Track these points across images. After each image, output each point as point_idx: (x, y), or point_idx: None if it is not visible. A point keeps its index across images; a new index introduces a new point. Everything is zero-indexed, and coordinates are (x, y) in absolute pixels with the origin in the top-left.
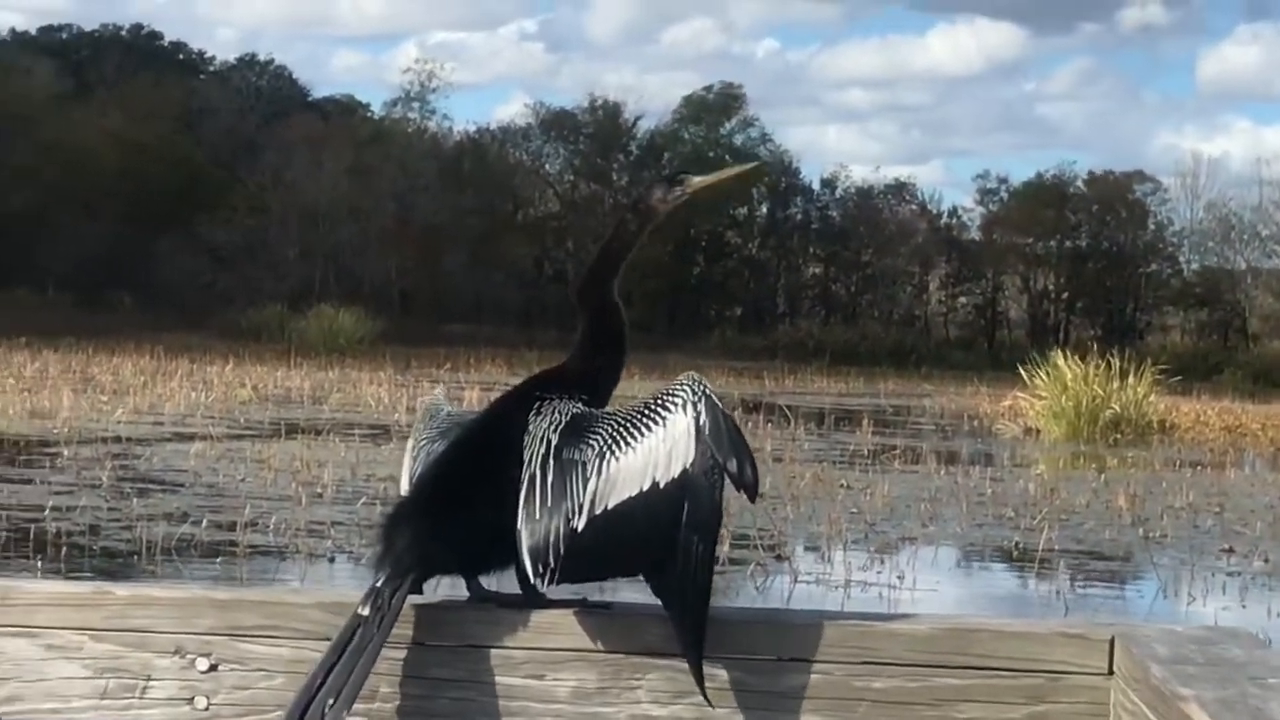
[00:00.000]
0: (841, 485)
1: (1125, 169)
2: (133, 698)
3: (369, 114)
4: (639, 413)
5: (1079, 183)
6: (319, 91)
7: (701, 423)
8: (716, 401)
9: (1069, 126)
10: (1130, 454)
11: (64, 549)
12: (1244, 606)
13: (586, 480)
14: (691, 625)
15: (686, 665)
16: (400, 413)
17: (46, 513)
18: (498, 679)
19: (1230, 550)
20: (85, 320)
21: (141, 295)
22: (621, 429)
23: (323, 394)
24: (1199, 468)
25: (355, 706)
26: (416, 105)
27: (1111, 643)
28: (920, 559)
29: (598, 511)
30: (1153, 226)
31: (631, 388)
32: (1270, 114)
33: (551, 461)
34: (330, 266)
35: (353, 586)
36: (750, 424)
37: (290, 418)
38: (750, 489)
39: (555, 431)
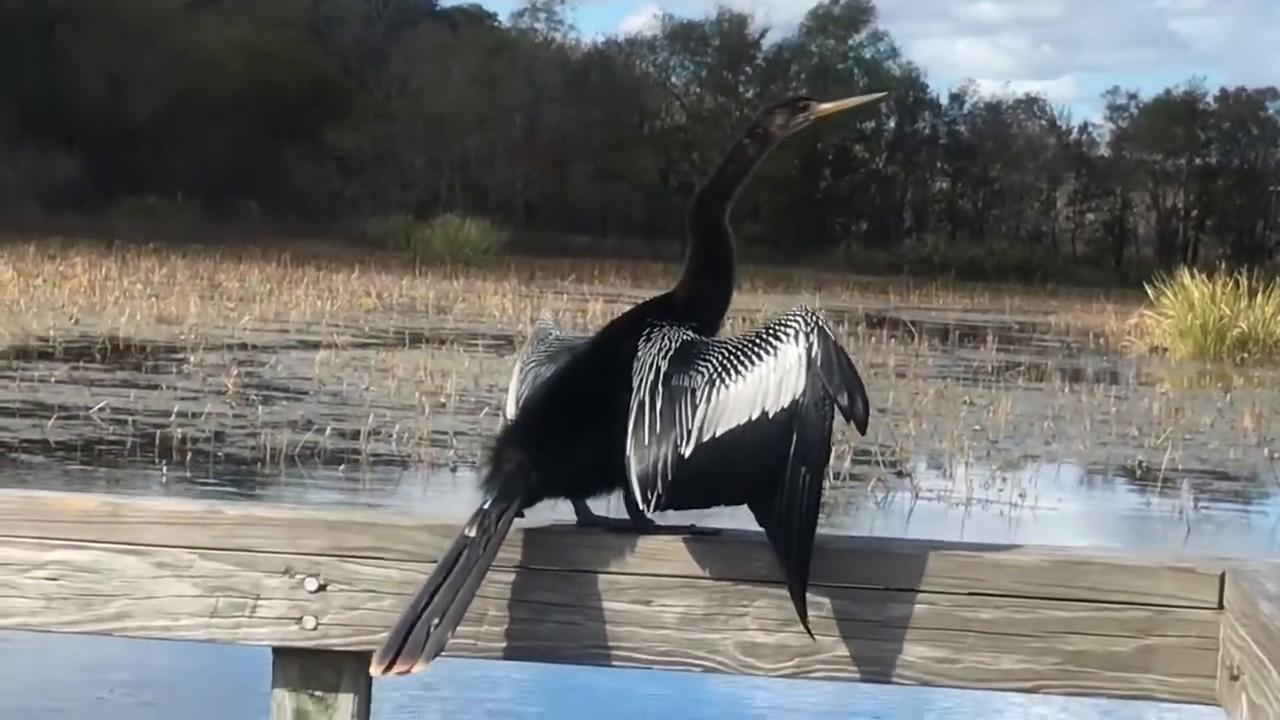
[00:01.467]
0: (965, 402)
1: (1258, 85)
2: (242, 616)
3: (496, 24)
4: (750, 342)
5: (1210, 99)
6: (447, 1)
7: (813, 354)
8: (829, 333)
9: (1201, 42)
10: (1257, 374)
11: (189, 455)
12: None
13: (696, 407)
14: (796, 556)
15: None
16: (524, 324)
17: (173, 419)
18: (604, 604)
19: None
20: (213, 228)
21: (268, 203)
22: (732, 357)
23: (447, 304)
24: None
25: (460, 629)
26: (544, 16)
27: (1222, 577)
28: (1042, 477)
29: (706, 439)
30: None
31: (755, 300)
32: None
33: (661, 388)
34: (456, 176)
35: (472, 500)
36: (874, 339)
37: (414, 327)
38: (861, 422)
39: (665, 358)
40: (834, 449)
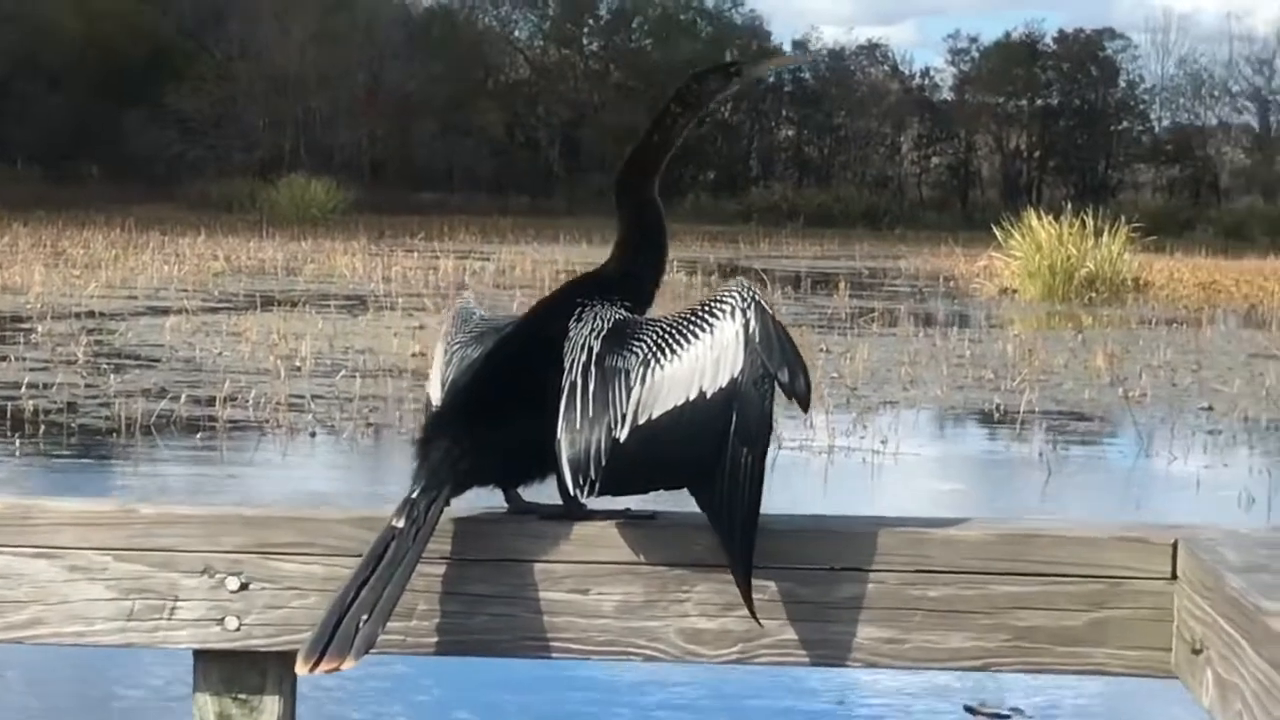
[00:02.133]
0: (821, 349)
1: (1096, 26)
2: (160, 619)
3: None
4: (685, 320)
5: (1049, 40)
6: None
7: (751, 330)
8: (767, 308)
9: None
10: (1106, 313)
11: (42, 427)
12: (1225, 465)
13: (630, 389)
14: (740, 540)
15: (729, 575)
16: (375, 282)
17: (23, 390)
18: (540, 594)
19: (1210, 408)
20: (55, 193)
21: (111, 167)
22: (667, 336)
23: (296, 265)
24: (1174, 325)
25: (390, 624)
26: None
27: (1174, 546)
28: (902, 423)
29: (641, 421)
30: (1123, 84)
31: (604, 253)
32: None
33: (594, 369)
34: (300, 136)
35: (343, 467)
36: None
37: (265, 289)
38: (803, 399)
39: (597, 338)
40: None
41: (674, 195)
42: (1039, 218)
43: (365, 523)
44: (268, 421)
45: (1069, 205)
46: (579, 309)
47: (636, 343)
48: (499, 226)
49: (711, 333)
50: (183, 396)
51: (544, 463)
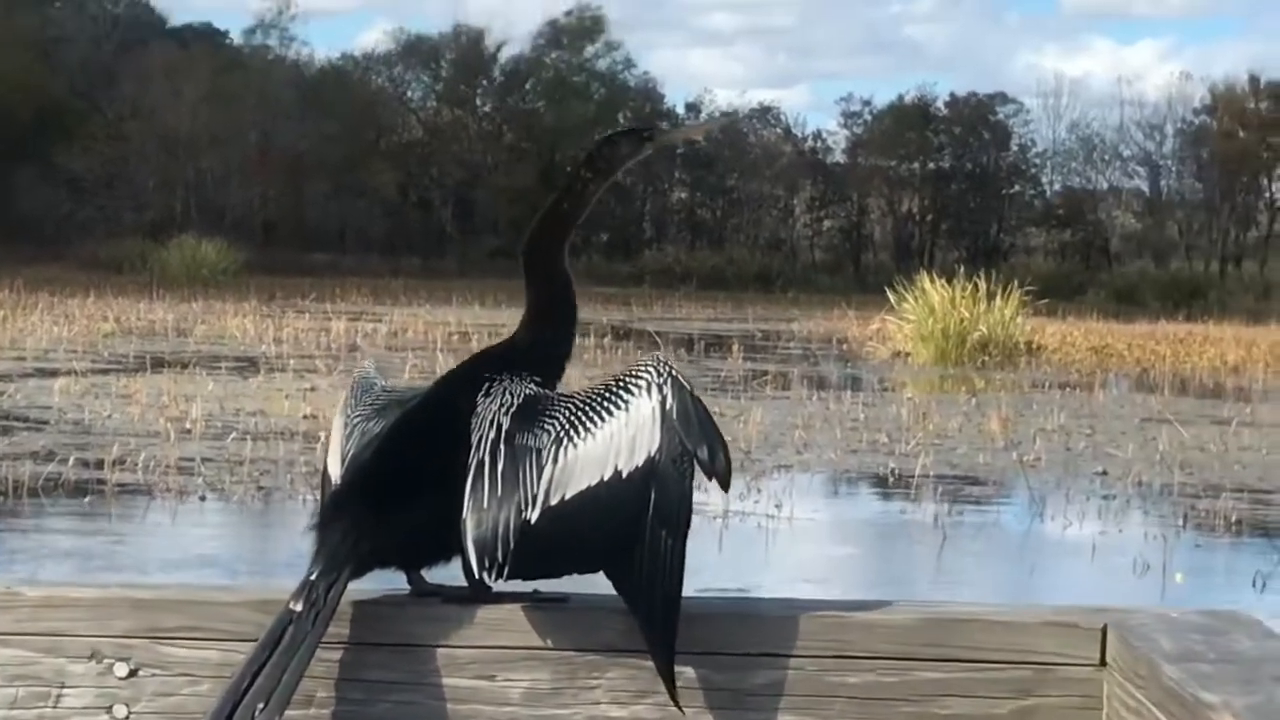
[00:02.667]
0: (715, 413)
1: (989, 90)
2: (45, 707)
3: (228, 41)
4: (599, 395)
5: (941, 104)
6: (177, 19)
7: (668, 407)
8: (685, 384)
9: (934, 48)
10: (999, 376)
11: None
12: (1120, 530)
13: (542, 468)
14: (662, 625)
15: (648, 661)
16: (267, 344)
17: None
18: (444, 680)
19: (1104, 472)
20: None
21: None
22: (581, 413)
23: (187, 326)
24: (1068, 389)
25: (288, 712)
26: (275, 32)
27: (1104, 631)
28: (797, 487)
29: (553, 501)
30: (1015, 147)
31: (500, 316)
32: (1131, 33)
33: (503, 446)
34: (191, 196)
35: (233, 531)
36: (619, 351)
37: (155, 351)
38: (723, 478)
39: (507, 415)
40: None
41: (567, 256)
42: (932, 281)
43: (261, 606)
44: (157, 485)
45: (962, 268)
46: (487, 383)
47: (548, 420)
48: (391, 288)
49: (627, 410)
50: (71, 459)
51: (449, 544)
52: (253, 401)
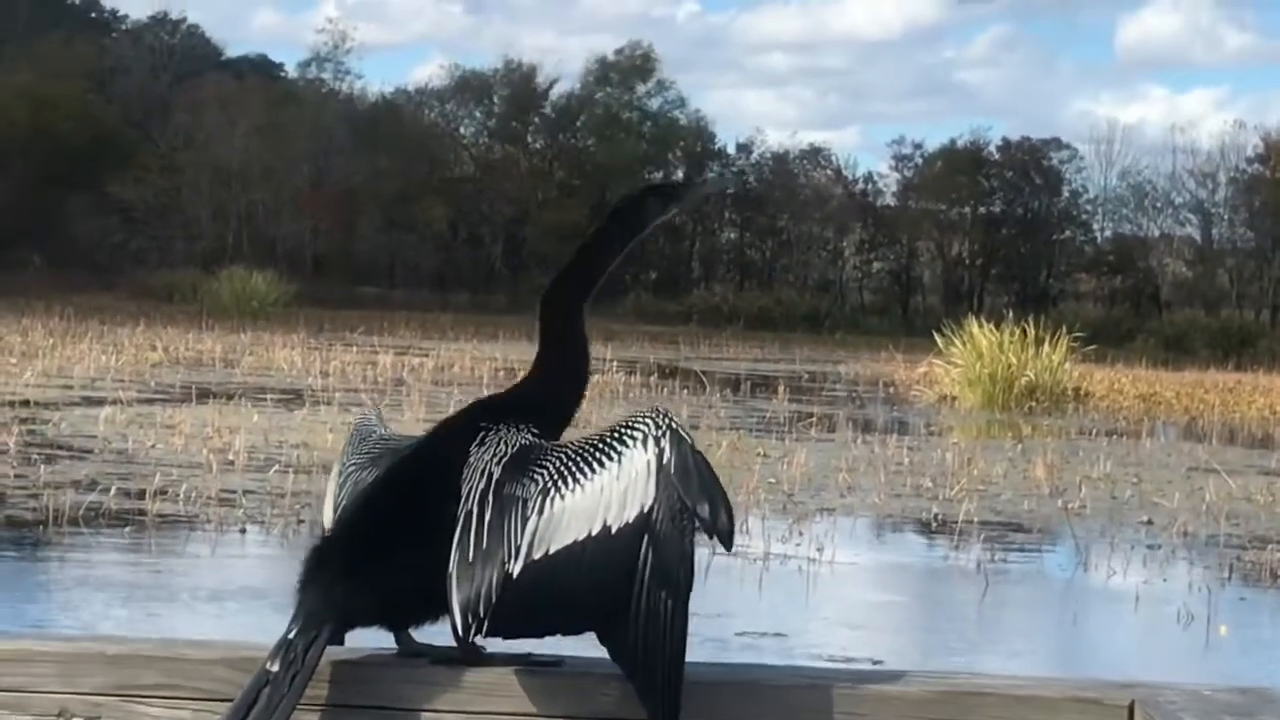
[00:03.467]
0: (759, 454)
1: (1041, 135)
2: None
3: (283, 74)
4: (593, 446)
5: (993, 149)
6: (233, 51)
7: (665, 460)
8: (685, 436)
9: (986, 93)
10: (1046, 422)
11: None
12: (1164, 580)
13: (526, 519)
14: (662, 693)
15: None
16: (314, 376)
17: None
18: None
19: (1149, 522)
20: None
21: (52, 256)
22: (571, 463)
23: (235, 357)
24: (1115, 436)
25: None
26: (330, 66)
27: (1131, 709)
28: (839, 530)
29: (537, 555)
30: (1067, 193)
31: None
32: (1186, 81)
33: (491, 498)
34: (244, 228)
35: (271, 564)
36: (665, 390)
37: (202, 381)
38: (725, 536)
39: (498, 464)
40: None
41: (615, 294)
42: (980, 325)
43: (239, 664)
44: (198, 516)
45: (1010, 313)
46: (482, 432)
47: (538, 470)
48: (439, 323)
49: (619, 462)
50: (113, 489)
51: (436, 601)
52: (296, 434)
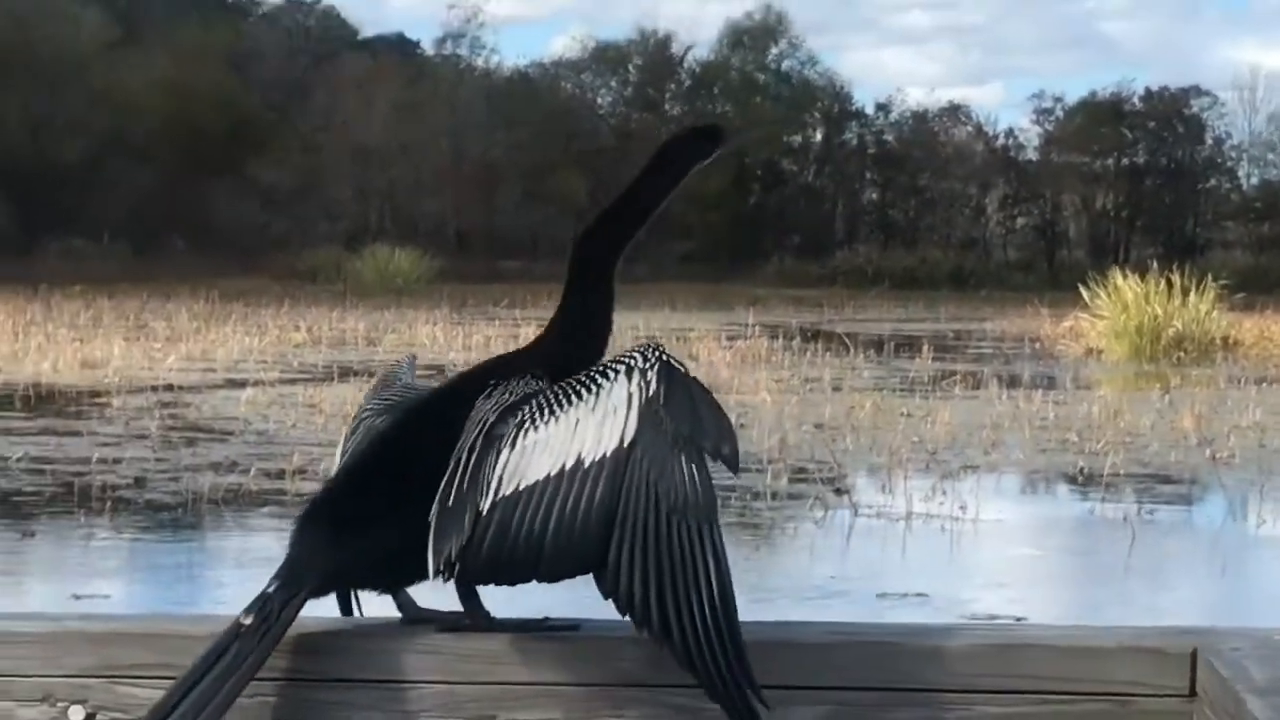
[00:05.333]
0: (902, 413)
1: (1182, 84)
2: None
3: (419, 52)
4: (577, 381)
5: (1135, 99)
6: (368, 31)
7: (652, 391)
8: (677, 365)
9: (1128, 43)
10: (1194, 373)
11: (108, 502)
12: None
13: (499, 455)
14: (717, 641)
15: (672, 695)
16: (456, 351)
17: (93, 465)
18: None
19: None
20: (140, 267)
21: (196, 241)
22: (551, 400)
23: (377, 335)
24: (1264, 384)
25: None
26: (466, 42)
27: (1193, 657)
28: (983, 488)
29: (506, 492)
30: (1211, 141)
31: (690, 320)
32: None
33: (480, 442)
34: (385, 206)
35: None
36: (809, 353)
37: (344, 360)
38: (730, 460)
39: (495, 412)
40: (768, 470)
41: (757, 259)
42: (1125, 277)
43: None
44: None
45: (1156, 264)
46: (491, 386)
47: (522, 409)
48: None
49: (597, 395)
50: (253, 470)
51: (425, 559)
52: None
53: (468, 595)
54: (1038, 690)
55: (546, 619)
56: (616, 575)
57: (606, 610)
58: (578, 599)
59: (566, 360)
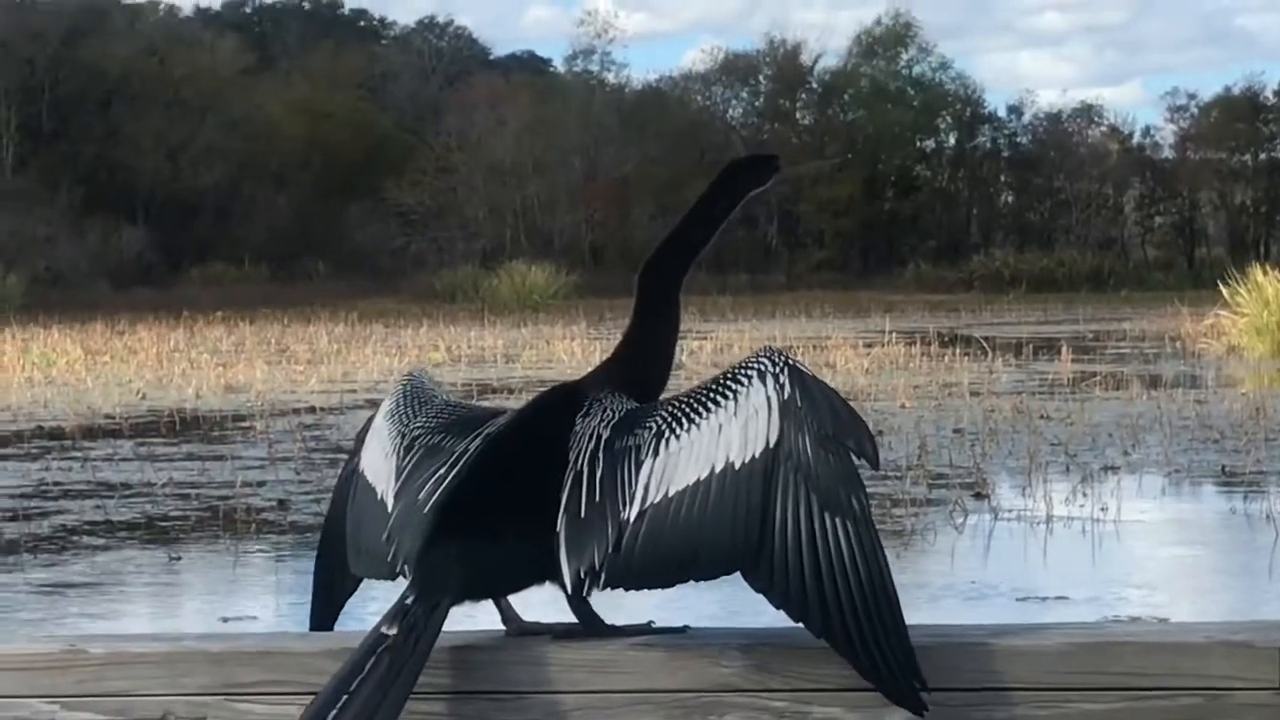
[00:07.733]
0: (1041, 416)
1: None
2: None
3: (550, 69)
4: (706, 390)
5: (1269, 94)
6: (499, 50)
7: (787, 395)
8: (804, 370)
9: (1267, 37)
10: None
11: (253, 525)
12: None
13: (640, 464)
14: (890, 627)
15: (773, 700)
16: (593, 366)
17: (237, 489)
18: None
19: None
20: (281, 291)
21: (335, 263)
22: (684, 409)
23: (515, 352)
24: None
25: None
26: (597, 58)
27: None
28: (1124, 489)
29: (655, 499)
30: None
31: (826, 327)
32: None
33: (601, 454)
34: (520, 223)
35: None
36: (946, 358)
37: (482, 378)
38: (871, 457)
39: (607, 427)
40: (907, 477)
41: (894, 265)
42: (1265, 273)
43: (343, 655)
44: None
45: None
46: (587, 404)
47: (650, 421)
48: (718, 304)
49: (736, 400)
50: None
51: (545, 571)
52: None
53: (583, 604)
54: (1130, 687)
55: (651, 623)
56: (770, 571)
57: (707, 618)
58: (679, 607)
59: (643, 380)
